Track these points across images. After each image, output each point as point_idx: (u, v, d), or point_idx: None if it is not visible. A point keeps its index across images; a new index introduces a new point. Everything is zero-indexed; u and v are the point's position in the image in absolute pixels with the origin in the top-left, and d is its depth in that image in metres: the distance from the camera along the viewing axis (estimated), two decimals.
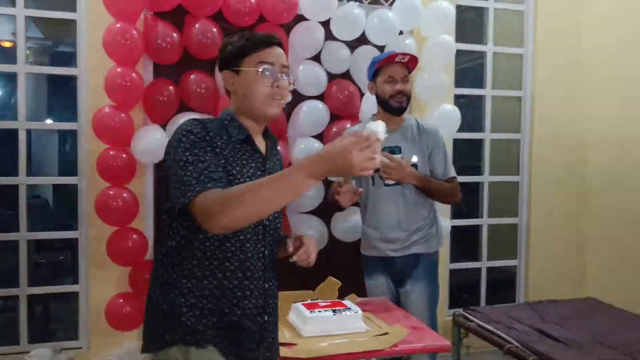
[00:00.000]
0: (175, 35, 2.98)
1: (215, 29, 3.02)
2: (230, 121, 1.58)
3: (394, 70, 2.60)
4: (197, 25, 2.99)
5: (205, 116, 3.03)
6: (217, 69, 1.72)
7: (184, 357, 1.48)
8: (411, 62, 2.63)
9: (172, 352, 1.49)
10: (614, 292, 3.68)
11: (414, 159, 2.60)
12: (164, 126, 3.03)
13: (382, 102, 2.63)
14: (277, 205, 1.33)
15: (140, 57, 2.99)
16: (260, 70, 1.54)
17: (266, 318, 1.61)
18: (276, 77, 1.55)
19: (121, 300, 2.99)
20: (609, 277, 3.78)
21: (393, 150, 2.54)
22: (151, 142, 2.94)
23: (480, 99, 3.98)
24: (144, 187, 3.16)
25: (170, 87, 3.00)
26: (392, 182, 2.55)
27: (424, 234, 2.65)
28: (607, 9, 3.81)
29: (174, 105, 3.03)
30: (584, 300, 3.70)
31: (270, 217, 1.60)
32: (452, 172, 2.71)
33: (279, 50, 1.59)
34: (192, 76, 3.02)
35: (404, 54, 2.61)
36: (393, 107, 2.60)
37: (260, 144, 1.63)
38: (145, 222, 3.17)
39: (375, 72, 2.63)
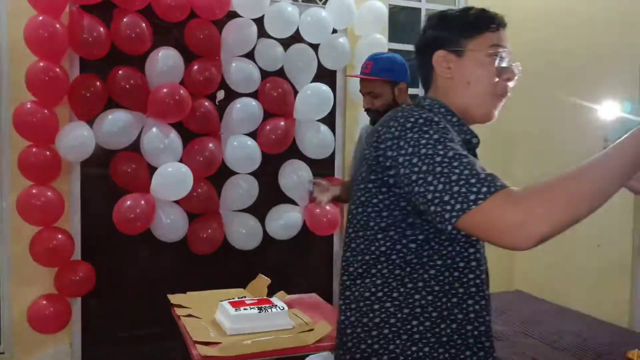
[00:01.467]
0: (102, 29, 2.90)
1: (144, 24, 2.96)
2: (446, 114, 1.21)
3: (361, 85, 2.47)
4: (125, 20, 2.92)
5: (136, 114, 2.98)
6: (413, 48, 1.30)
7: None
8: (378, 75, 2.38)
9: None
10: (540, 285, 3.83)
11: None
12: (91, 123, 2.94)
13: None
14: (611, 191, 0.93)
15: (66, 52, 2.90)
16: (495, 55, 1.18)
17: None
18: (511, 70, 1.21)
19: (44, 302, 2.89)
20: (536, 271, 3.92)
21: None
22: (77, 139, 2.85)
23: (413, 97, 4.06)
24: (70, 185, 3.06)
25: (97, 83, 2.91)
26: None
27: None
28: (535, 8, 3.95)
29: (101, 102, 2.95)
30: (512, 293, 3.85)
31: None
32: None
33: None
34: (120, 72, 2.94)
35: (361, 74, 2.44)
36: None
37: None
38: (72, 222, 3.07)
39: None
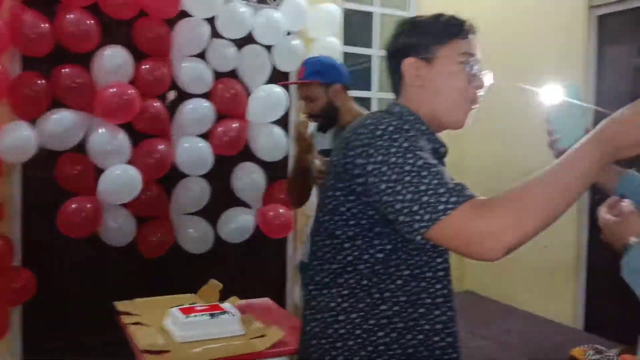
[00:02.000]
0: (45, 25, 2.78)
1: (91, 21, 2.86)
2: (415, 122, 1.17)
3: (298, 92, 2.45)
4: (70, 16, 2.81)
5: (82, 114, 2.87)
6: (384, 53, 1.28)
7: None
8: (309, 79, 2.36)
9: None
10: (490, 286, 3.91)
11: None
12: (33, 123, 2.82)
13: None
14: (576, 197, 0.93)
15: (7, 49, 2.77)
16: (465, 62, 1.17)
17: None
18: (481, 77, 1.20)
19: None
20: (486, 271, 4.00)
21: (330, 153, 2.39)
22: (17, 139, 2.73)
23: (367, 100, 4.08)
24: (10, 187, 2.92)
25: (40, 81, 2.79)
26: None
27: None
28: (487, 13, 4.03)
29: (45, 101, 2.83)
30: (462, 294, 3.91)
31: None
32: None
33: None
34: (64, 70, 2.83)
35: (297, 80, 2.44)
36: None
37: None
38: (12, 226, 2.93)
39: None
